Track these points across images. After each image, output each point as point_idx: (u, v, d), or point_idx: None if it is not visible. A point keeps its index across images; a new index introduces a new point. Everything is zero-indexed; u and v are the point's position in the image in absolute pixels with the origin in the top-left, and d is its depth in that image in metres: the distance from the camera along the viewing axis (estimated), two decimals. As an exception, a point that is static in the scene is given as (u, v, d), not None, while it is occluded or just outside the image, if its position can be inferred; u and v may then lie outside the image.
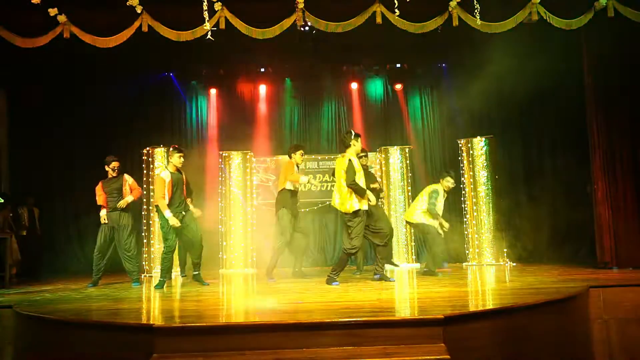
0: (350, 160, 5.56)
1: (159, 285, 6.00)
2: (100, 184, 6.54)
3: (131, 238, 6.53)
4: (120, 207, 6.39)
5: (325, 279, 5.69)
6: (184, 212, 6.08)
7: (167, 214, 5.85)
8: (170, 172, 6.05)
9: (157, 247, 7.77)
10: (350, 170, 5.50)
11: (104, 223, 6.42)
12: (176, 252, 6.61)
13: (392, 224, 7.71)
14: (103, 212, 6.44)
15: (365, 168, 6.54)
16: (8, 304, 4.66)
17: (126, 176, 6.56)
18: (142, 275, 7.67)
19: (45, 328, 3.92)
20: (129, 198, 6.45)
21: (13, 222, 8.21)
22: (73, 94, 8.79)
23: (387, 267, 6.96)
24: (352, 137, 5.69)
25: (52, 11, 5.93)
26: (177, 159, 6.10)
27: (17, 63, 7.66)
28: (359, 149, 5.78)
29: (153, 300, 5.02)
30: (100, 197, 6.50)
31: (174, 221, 5.83)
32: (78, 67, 8.30)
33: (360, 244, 5.63)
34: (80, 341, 3.63)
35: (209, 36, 6.01)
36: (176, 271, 7.61)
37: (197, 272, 6.29)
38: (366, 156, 6.82)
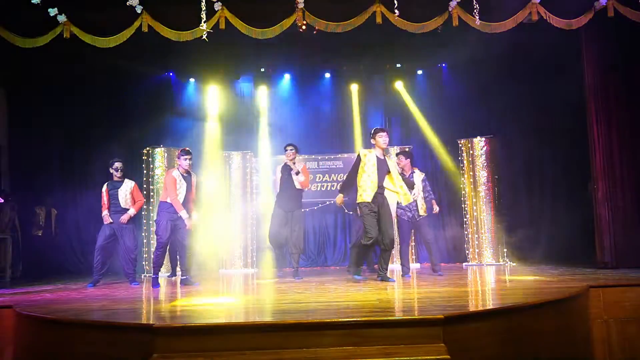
0: (359, 155, 5.85)
1: (155, 284, 6.04)
2: (105, 188, 6.55)
3: (134, 240, 6.56)
4: (123, 222, 6.41)
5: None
6: (179, 215, 6.11)
7: (184, 214, 6.03)
8: (180, 174, 6.17)
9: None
10: (354, 165, 5.85)
11: (108, 223, 6.43)
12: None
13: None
14: (105, 213, 6.45)
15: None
16: (8, 304, 4.66)
17: (129, 182, 6.59)
18: (143, 275, 7.69)
19: (45, 328, 3.91)
20: (131, 212, 6.49)
21: (22, 222, 8.23)
22: (73, 93, 8.79)
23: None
24: (372, 133, 5.94)
25: (52, 11, 5.94)
26: (184, 162, 6.17)
27: (17, 63, 7.67)
28: (380, 144, 5.83)
29: (153, 300, 5.02)
30: (105, 204, 6.52)
31: (189, 222, 6.05)
32: (78, 67, 8.30)
33: (374, 235, 5.66)
34: (80, 341, 3.62)
35: (204, 37, 6.01)
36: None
37: (184, 277, 6.31)
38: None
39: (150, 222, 7.95)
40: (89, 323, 3.72)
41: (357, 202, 5.79)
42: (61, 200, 8.76)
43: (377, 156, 5.79)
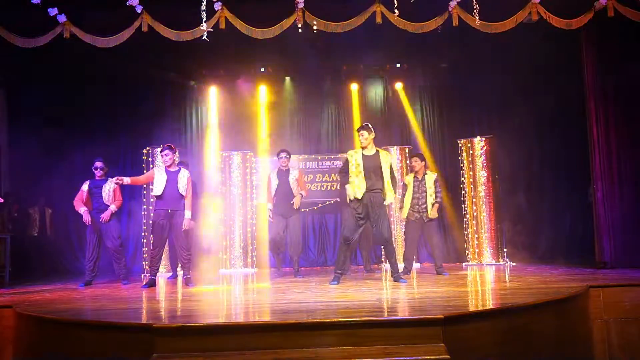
0: (346, 157, 5.79)
1: (146, 284, 6.07)
2: (86, 185, 6.63)
3: (118, 239, 6.58)
4: (104, 221, 6.48)
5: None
6: (169, 210, 6.13)
7: (125, 179, 6.10)
8: (163, 169, 6.26)
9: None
10: (343, 166, 5.85)
11: (90, 223, 6.52)
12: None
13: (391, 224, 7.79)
14: (84, 209, 6.49)
15: None
16: (8, 304, 4.66)
17: (111, 180, 6.66)
18: (143, 275, 7.69)
19: (45, 328, 3.91)
20: (112, 208, 6.56)
21: (19, 222, 8.21)
22: (73, 93, 8.78)
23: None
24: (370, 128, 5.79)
25: (53, 11, 5.94)
26: (164, 157, 6.25)
27: (17, 63, 7.66)
28: (361, 142, 5.75)
29: (153, 300, 5.02)
30: (78, 201, 6.54)
31: (117, 178, 6.09)
32: (78, 67, 8.30)
33: (349, 235, 5.64)
34: (80, 341, 3.62)
35: (204, 37, 6.01)
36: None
37: (183, 277, 6.33)
38: None
39: (150, 222, 7.94)
40: (88, 323, 3.72)
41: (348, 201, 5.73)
42: (60, 200, 8.75)
43: (363, 154, 5.72)
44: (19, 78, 8.41)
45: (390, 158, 5.85)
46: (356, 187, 5.61)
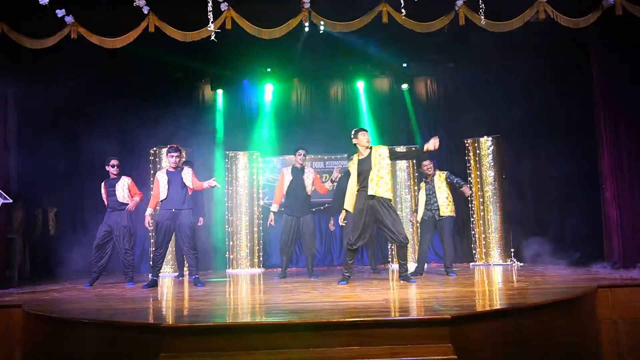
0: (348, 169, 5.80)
1: (147, 285, 6.06)
2: (103, 185, 6.65)
3: (130, 239, 6.58)
4: (129, 210, 6.51)
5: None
6: (174, 210, 6.14)
7: (147, 211, 6.20)
8: (166, 171, 6.25)
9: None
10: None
11: (104, 223, 6.53)
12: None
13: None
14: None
15: None
16: (17, 303, 4.69)
17: (126, 178, 6.64)
18: (150, 275, 7.71)
19: (53, 327, 3.94)
20: (137, 198, 6.56)
21: (27, 222, 8.27)
22: (80, 94, 8.81)
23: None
24: (352, 134, 5.76)
25: (60, 12, 5.97)
26: (170, 158, 6.24)
27: (25, 64, 7.70)
28: (363, 143, 5.69)
29: (161, 300, 5.04)
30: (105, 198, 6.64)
31: (146, 220, 6.20)
32: (85, 68, 8.33)
33: (353, 240, 5.61)
34: (89, 341, 3.64)
35: (212, 37, 6.02)
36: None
37: (191, 277, 6.32)
38: None
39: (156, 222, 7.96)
40: (97, 322, 3.74)
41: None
42: (69, 200, 8.80)
43: (359, 160, 5.70)
44: (27, 79, 8.44)
45: (381, 150, 5.67)
46: (355, 197, 5.61)
